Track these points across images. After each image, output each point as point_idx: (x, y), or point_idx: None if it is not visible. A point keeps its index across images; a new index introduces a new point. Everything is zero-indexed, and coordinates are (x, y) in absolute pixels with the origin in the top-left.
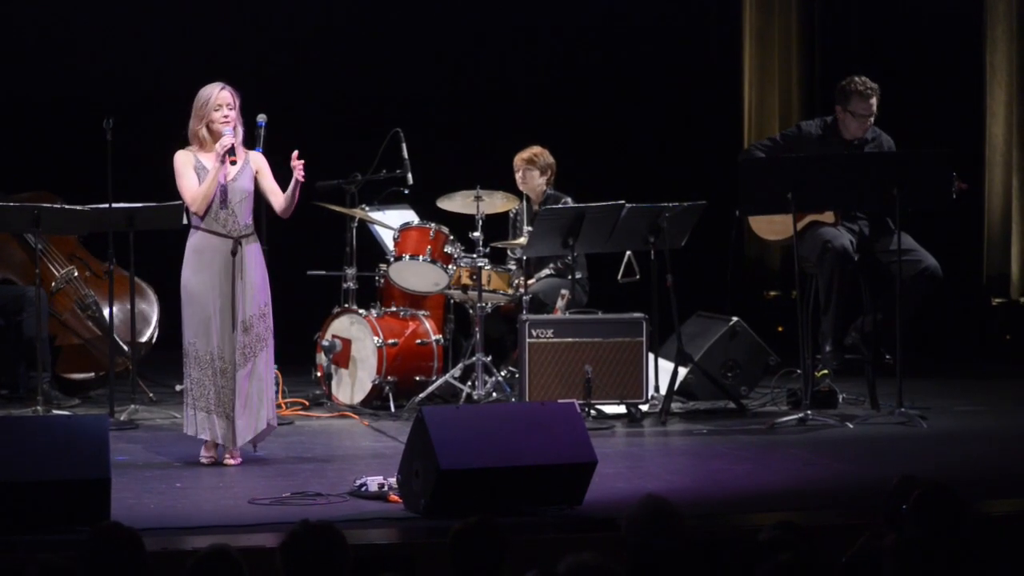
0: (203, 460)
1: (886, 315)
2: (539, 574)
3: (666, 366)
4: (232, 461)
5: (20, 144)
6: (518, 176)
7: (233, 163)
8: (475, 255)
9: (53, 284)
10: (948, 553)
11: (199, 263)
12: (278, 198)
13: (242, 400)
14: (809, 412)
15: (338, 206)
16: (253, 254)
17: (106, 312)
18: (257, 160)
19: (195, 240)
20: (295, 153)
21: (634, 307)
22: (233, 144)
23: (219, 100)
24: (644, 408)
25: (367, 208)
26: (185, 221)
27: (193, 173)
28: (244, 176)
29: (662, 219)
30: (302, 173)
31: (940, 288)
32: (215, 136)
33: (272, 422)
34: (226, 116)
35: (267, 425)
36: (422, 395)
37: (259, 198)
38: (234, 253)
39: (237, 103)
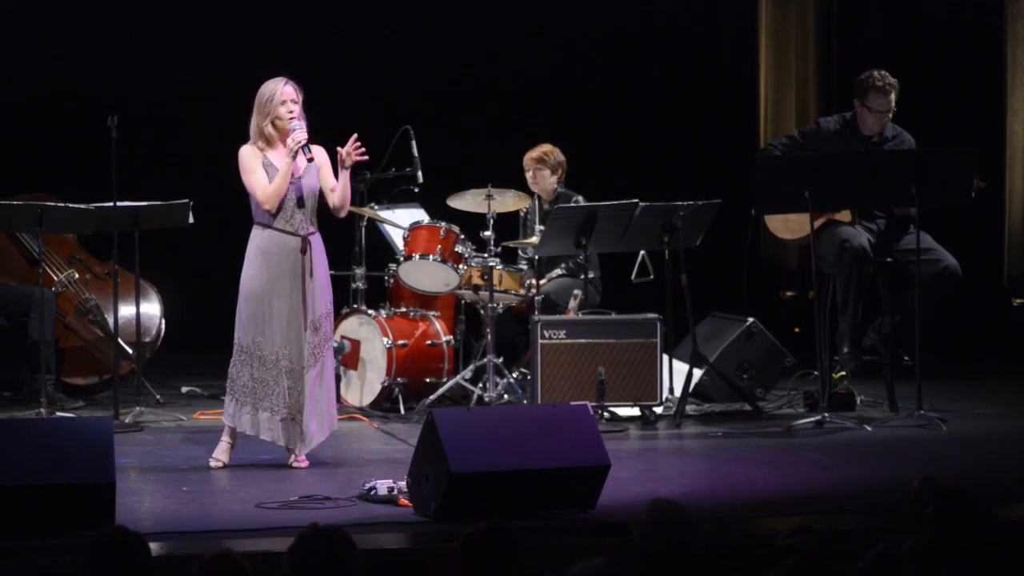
0: (212, 463)
1: (905, 316)
2: None
3: (681, 367)
4: (301, 464)
5: (23, 143)
6: (529, 175)
7: (311, 160)
8: (486, 255)
9: (53, 288)
10: (969, 558)
11: (266, 262)
12: (334, 195)
13: (311, 402)
14: (826, 414)
15: None
16: (320, 253)
17: (109, 314)
18: (320, 157)
19: (263, 239)
20: (353, 137)
21: (648, 308)
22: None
23: (284, 95)
24: (658, 410)
25: (376, 207)
26: (191, 221)
27: (262, 170)
28: (310, 173)
29: (676, 218)
30: (349, 159)
31: (960, 288)
32: (281, 133)
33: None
34: (292, 111)
35: (336, 425)
36: (432, 397)
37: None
38: (304, 252)
39: (301, 97)
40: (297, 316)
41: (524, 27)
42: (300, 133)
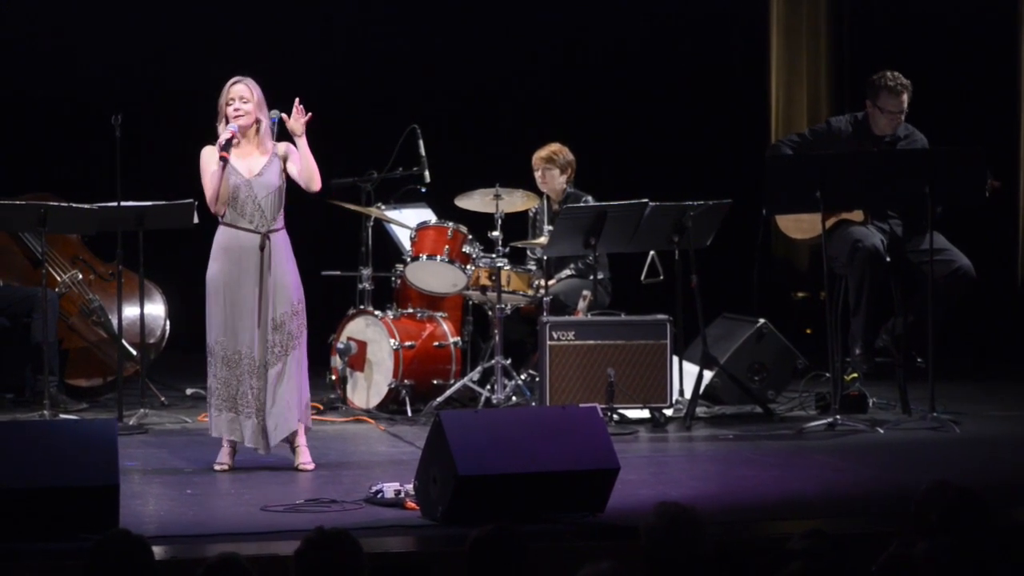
0: (216, 467)
1: (918, 317)
2: None
3: (691, 369)
4: (306, 467)
5: (25, 142)
6: (537, 175)
7: (223, 159)
8: (494, 255)
9: (57, 289)
10: (981, 562)
11: (226, 259)
12: (299, 175)
13: (271, 401)
14: (838, 417)
15: (353, 204)
16: (282, 250)
17: (113, 315)
18: (284, 150)
19: (221, 235)
20: (296, 102)
21: (658, 309)
22: (232, 137)
23: (231, 94)
24: (668, 413)
25: (383, 207)
26: (196, 220)
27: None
28: (271, 170)
29: (686, 218)
30: (297, 125)
31: (973, 289)
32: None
33: (307, 423)
34: (237, 110)
35: (296, 427)
36: (440, 399)
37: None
38: (262, 248)
39: (256, 95)
40: (256, 314)
41: (532, 25)
42: (224, 134)
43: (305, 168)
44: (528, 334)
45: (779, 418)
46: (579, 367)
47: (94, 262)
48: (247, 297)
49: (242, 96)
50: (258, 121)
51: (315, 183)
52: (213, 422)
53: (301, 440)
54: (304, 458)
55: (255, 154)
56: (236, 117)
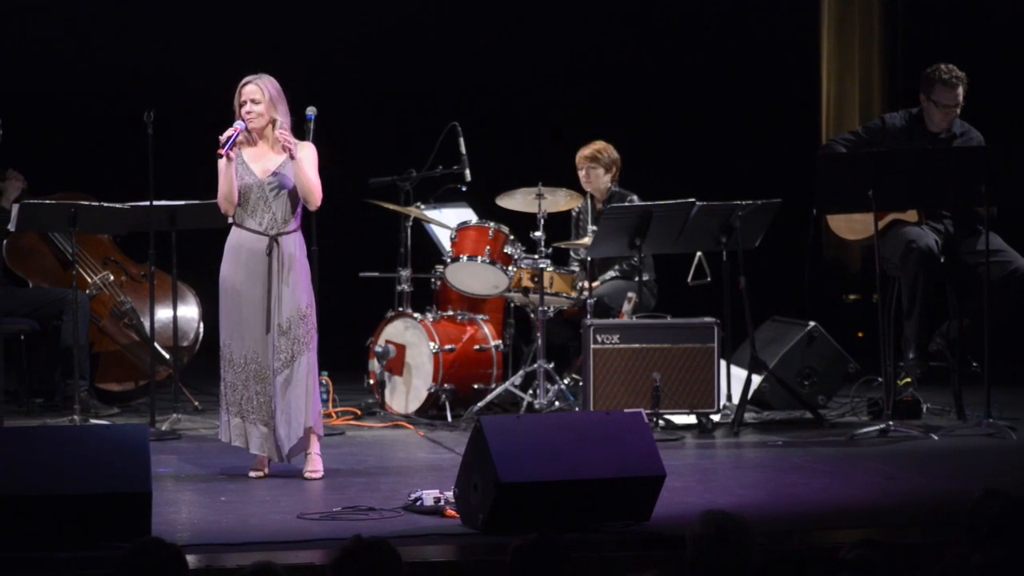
0: (251, 474)
1: (973, 320)
2: None
3: (739, 374)
4: (314, 475)
5: (56, 140)
6: (581, 174)
7: (221, 156)
8: (536, 256)
9: (88, 291)
10: None
11: (236, 261)
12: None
13: (281, 408)
14: (891, 423)
15: (392, 204)
16: (291, 253)
17: (145, 318)
18: (300, 153)
19: (232, 237)
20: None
21: (705, 311)
22: (236, 133)
23: (243, 95)
24: (716, 418)
25: (423, 206)
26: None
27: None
28: (286, 171)
29: (734, 218)
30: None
31: None
32: (251, 133)
33: (319, 431)
34: (249, 112)
35: (304, 433)
36: (480, 404)
37: None
38: (269, 252)
39: (267, 93)
40: (261, 318)
41: (577, 21)
42: (227, 132)
43: (303, 185)
44: (571, 337)
45: (830, 424)
46: (624, 371)
47: (126, 263)
48: (254, 300)
49: (253, 97)
50: (273, 121)
51: (311, 202)
52: (221, 426)
53: (314, 447)
54: (313, 465)
55: (270, 154)
56: (248, 119)
